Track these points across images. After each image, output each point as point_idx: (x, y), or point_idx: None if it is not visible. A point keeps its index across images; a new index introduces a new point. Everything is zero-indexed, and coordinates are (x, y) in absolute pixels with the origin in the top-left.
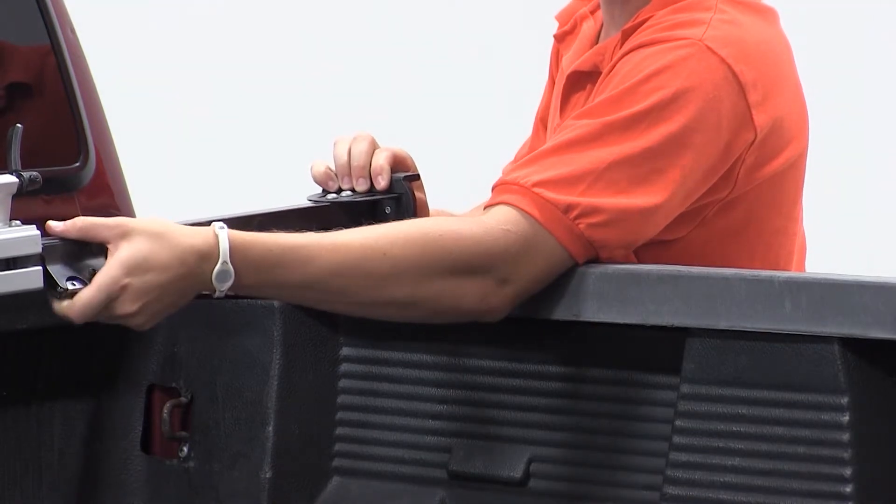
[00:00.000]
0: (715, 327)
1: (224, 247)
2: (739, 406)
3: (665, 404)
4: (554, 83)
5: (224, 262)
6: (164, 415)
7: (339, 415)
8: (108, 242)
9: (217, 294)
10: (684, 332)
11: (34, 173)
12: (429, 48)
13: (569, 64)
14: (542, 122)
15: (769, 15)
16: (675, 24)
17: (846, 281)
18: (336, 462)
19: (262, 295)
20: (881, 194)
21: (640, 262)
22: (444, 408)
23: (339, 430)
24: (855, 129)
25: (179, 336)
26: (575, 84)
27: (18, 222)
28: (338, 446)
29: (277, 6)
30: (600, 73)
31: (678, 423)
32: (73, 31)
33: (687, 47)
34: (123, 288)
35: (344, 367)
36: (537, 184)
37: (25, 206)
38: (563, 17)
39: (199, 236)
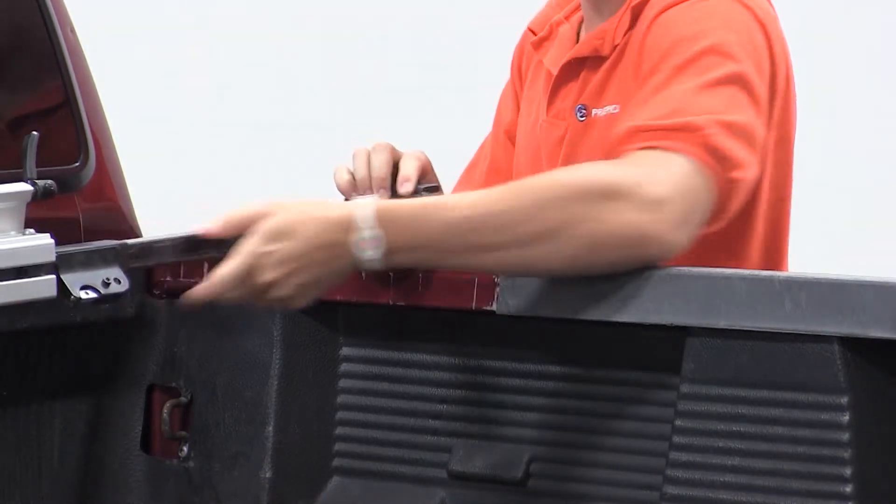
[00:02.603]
0: (715, 326)
1: (366, 212)
2: (739, 406)
3: (665, 404)
4: (517, 94)
5: (371, 228)
6: (164, 415)
7: (339, 415)
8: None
9: (369, 265)
10: (684, 332)
11: (49, 182)
12: (429, 44)
13: (554, 63)
14: (507, 134)
15: None
16: None
17: (846, 280)
18: (336, 462)
19: (412, 260)
20: (881, 194)
21: None
22: (444, 408)
23: (339, 430)
24: (855, 128)
25: (179, 336)
26: (570, 72)
27: (32, 231)
28: (338, 446)
29: (279, 6)
30: (601, 56)
31: (678, 422)
32: (73, 31)
33: None
34: (263, 255)
35: (344, 367)
36: (642, 128)
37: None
38: (538, 25)
39: (341, 207)
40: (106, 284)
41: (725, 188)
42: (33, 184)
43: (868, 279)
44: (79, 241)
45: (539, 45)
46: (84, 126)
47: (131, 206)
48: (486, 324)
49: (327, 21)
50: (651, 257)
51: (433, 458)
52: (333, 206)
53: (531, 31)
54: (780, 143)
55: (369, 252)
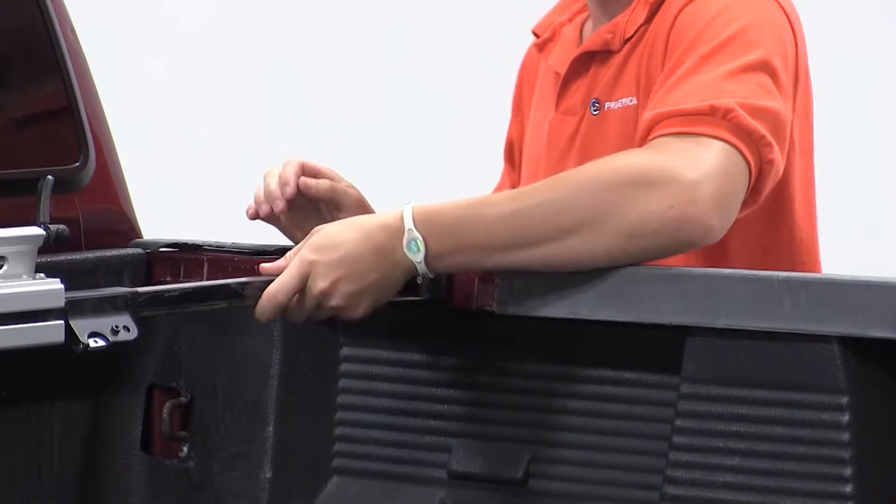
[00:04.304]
0: (714, 326)
1: (407, 215)
2: (739, 406)
3: (665, 404)
4: (514, 112)
5: (409, 230)
6: (164, 415)
7: (339, 415)
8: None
9: (420, 273)
10: (684, 332)
11: (62, 227)
12: (430, 48)
13: (559, 62)
14: (507, 159)
15: None
16: None
17: (846, 280)
18: (336, 462)
19: (457, 263)
20: (881, 193)
21: None
22: (444, 408)
23: (339, 430)
24: (855, 128)
25: (179, 336)
26: (579, 68)
27: (42, 275)
28: (338, 446)
29: (282, 7)
30: (610, 51)
31: (678, 422)
32: (73, 31)
33: None
34: (312, 264)
35: (344, 367)
36: (671, 113)
37: (25, 207)
38: (541, 28)
39: (385, 214)
40: (115, 332)
41: (757, 168)
42: (46, 228)
43: (868, 279)
44: (79, 244)
45: (542, 47)
46: (84, 126)
47: (131, 206)
48: (486, 324)
49: (328, 21)
50: (689, 242)
51: (433, 458)
52: (377, 215)
53: (535, 33)
54: (802, 132)
55: (412, 255)
